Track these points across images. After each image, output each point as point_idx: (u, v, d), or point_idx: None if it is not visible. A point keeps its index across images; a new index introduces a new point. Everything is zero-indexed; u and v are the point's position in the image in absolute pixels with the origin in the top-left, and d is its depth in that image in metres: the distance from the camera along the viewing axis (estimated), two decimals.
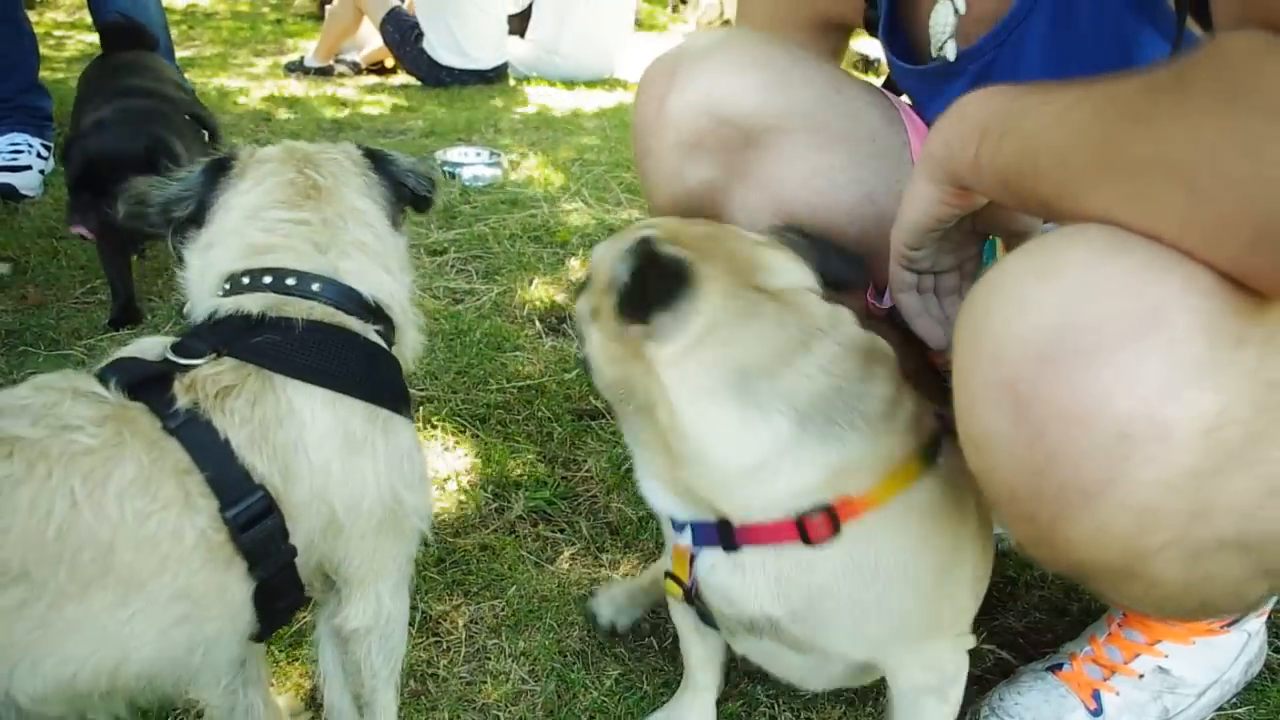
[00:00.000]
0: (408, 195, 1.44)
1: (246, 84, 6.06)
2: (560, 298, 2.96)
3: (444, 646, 1.69)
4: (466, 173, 4.05)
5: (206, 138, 3.03)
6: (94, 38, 7.19)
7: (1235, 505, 0.82)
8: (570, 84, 6.33)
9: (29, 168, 3.78)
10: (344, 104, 5.62)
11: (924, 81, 1.51)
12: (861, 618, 1.19)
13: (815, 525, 1.11)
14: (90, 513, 1.03)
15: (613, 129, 5.10)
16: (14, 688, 1.01)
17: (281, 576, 1.17)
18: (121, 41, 3.31)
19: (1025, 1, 1.28)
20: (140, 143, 2.56)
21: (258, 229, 1.29)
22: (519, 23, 6.66)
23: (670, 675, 1.63)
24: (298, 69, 6.73)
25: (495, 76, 6.34)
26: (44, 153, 3.90)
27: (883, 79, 1.73)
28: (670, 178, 1.50)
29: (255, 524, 1.12)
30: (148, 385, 1.13)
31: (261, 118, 5.20)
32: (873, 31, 1.59)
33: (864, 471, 1.12)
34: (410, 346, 1.41)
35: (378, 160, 1.42)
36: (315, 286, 1.25)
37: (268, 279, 1.25)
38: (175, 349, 1.19)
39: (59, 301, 2.94)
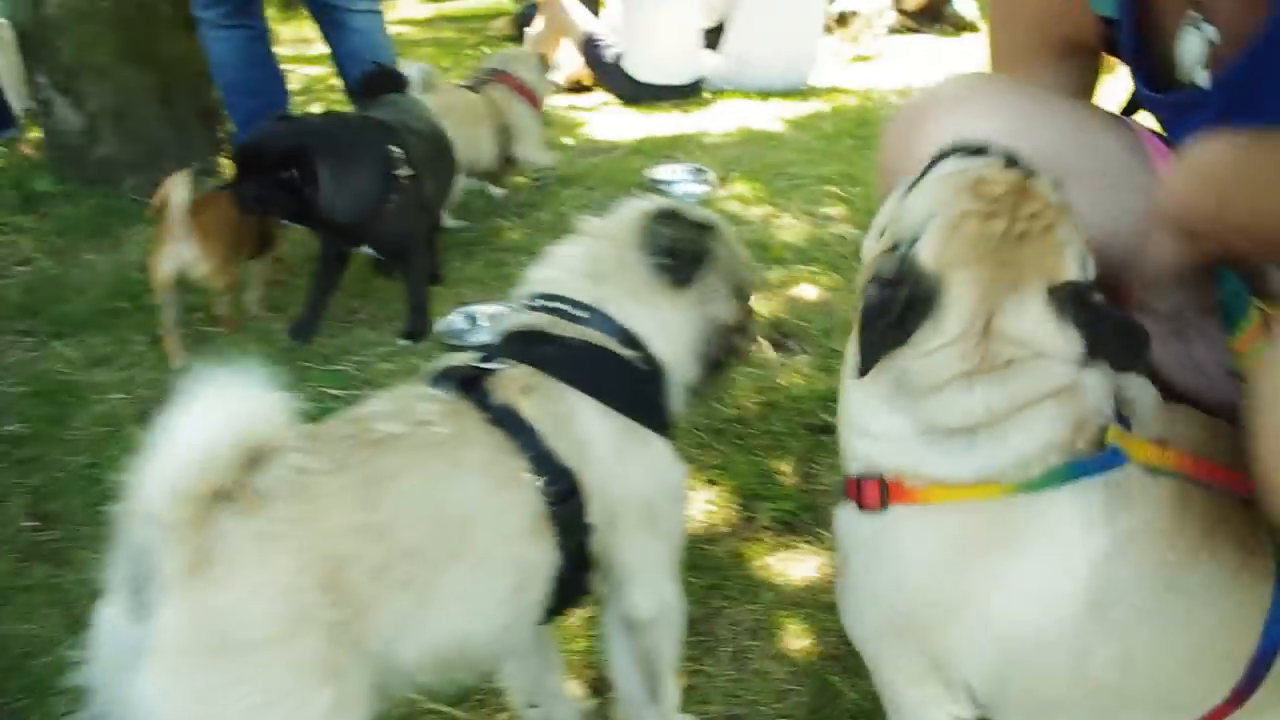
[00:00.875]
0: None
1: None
2: (782, 314, 3.08)
3: (708, 646, 1.85)
4: (678, 190, 4.23)
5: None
6: (317, 70, 7.77)
7: None
8: (765, 95, 6.42)
9: None
10: (551, 124, 5.90)
11: (1170, 109, 1.54)
12: (868, 602, 1.28)
13: (868, 488, 1.22)
14: (457, 491, 1.24)
15: (812, 140, 5.17)
16: (398, 656, 1.19)
17: (579, 553, 1.36)
18: (379, 87, 3.58)
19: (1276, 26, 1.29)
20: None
21: (547, 264, 1.58)
22: (713, 37, 6.82)
23: None
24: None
25: (692, 91, 6.52)
26: None
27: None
28: None
29: (565, 500, 1.32)
30: (466, 386, 1.36)
31: None
32: (1117, 54, 1.63)
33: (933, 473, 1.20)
34: (677, 380, 1.55)
35: (659, 220, 1.56)
36: (584, 314, 1.46)
37: (548, 303, 1.48)
38: (480, 359, 1.42)
39: (324, 321, 3.26)
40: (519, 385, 1.37)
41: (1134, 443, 1.19)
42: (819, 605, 1.92)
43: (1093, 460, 1.17)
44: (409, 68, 4.08)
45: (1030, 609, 1.17)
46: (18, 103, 6.37)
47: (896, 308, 1.16)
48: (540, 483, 1.30)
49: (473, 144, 3.95)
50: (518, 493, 1.29)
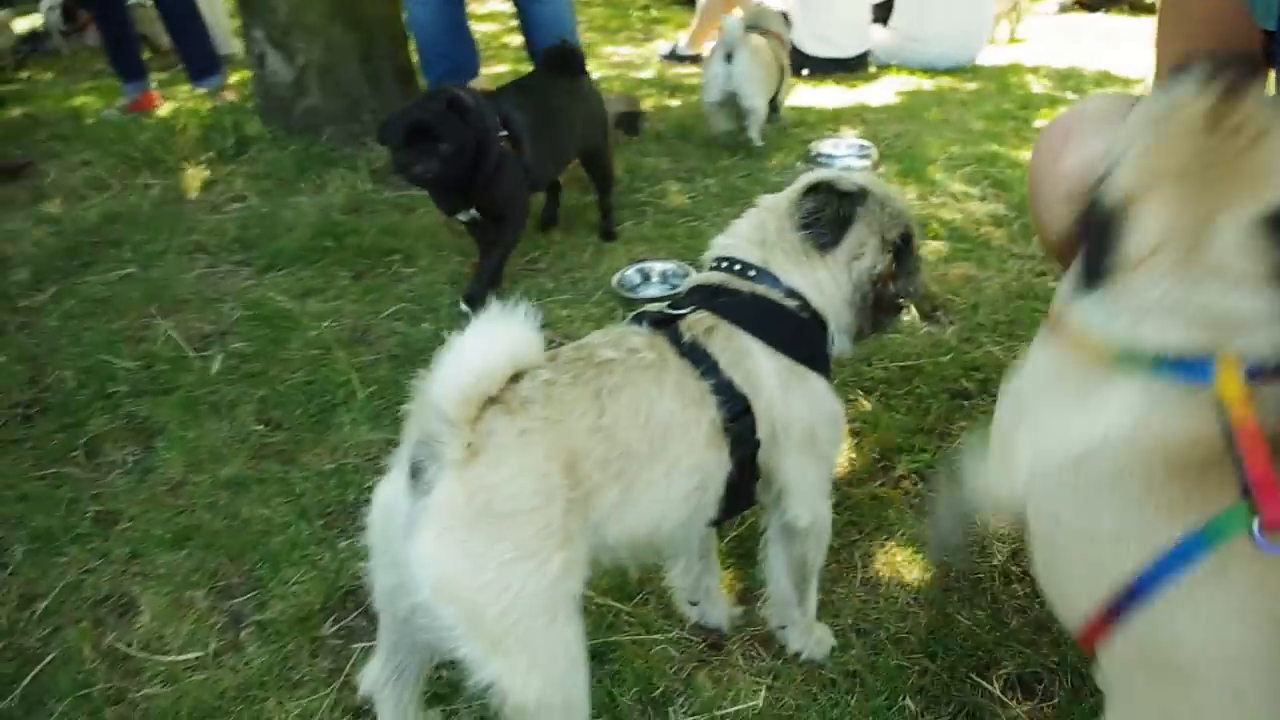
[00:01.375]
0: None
1: (626, 74, 6.69)
2: (935, 288, 3.22)
3: (843, 571, 2.07)
4: (839, 164, 4.37)
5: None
6: (489, 26, 8.09)
7: None
8: (931, 72, 6.44)
9: None
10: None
11: None
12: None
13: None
14: (660, 406, 1.50)
15: (976, 120, 5.21)
16: (607, 534, 1.48)
17: (749, 464, 1.61)
18: (558, 65, 3.76)
19: None
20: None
21: (726, 233, 1.81)
22: (882, 11, 6.85)
23: (1037, 614, 1.91)
24: (671, 56, 7.32)
25: (857, 64, 6.58)
26: None
27: None
28: (1059, 221, 1.71)
29: (738, 419, 1.57)
30: (661, 324, 1.64)
31: (649, 107, 5.76)
32: (1276, 67, 1.71)
33: None
34: (836, 326, 1.77)
35: (806, 193, 1.75)
36: (752, 273, 1.71)
37: (725, 264, 1.74)
38: (671, 305, 1.69)
39: (508, 268, 3.56)
40: (703, 326, 1.62)
41: (1231, 379, 1.19)
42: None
43: (1181, 362, 1.22)
44: (727, 19, 4.62)
45: (1054, 447, 1.31)
46: (222, 48, 6.98)
47: (1089, 238, 1.29)
48: (719, 402, 1.55)
49: (772, 83, 4.86)
50: (702, 410, 1.54)
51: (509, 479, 1.35)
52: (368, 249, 3.76)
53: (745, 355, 1.62)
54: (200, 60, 6.30)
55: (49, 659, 1.97)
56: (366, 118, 4.95)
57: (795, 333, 1.69)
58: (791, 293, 1.70)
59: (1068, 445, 1.28)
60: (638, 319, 1.68)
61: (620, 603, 2.02)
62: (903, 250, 1.79)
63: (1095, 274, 1.29)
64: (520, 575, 1.34)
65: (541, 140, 3.43)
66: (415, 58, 5.05)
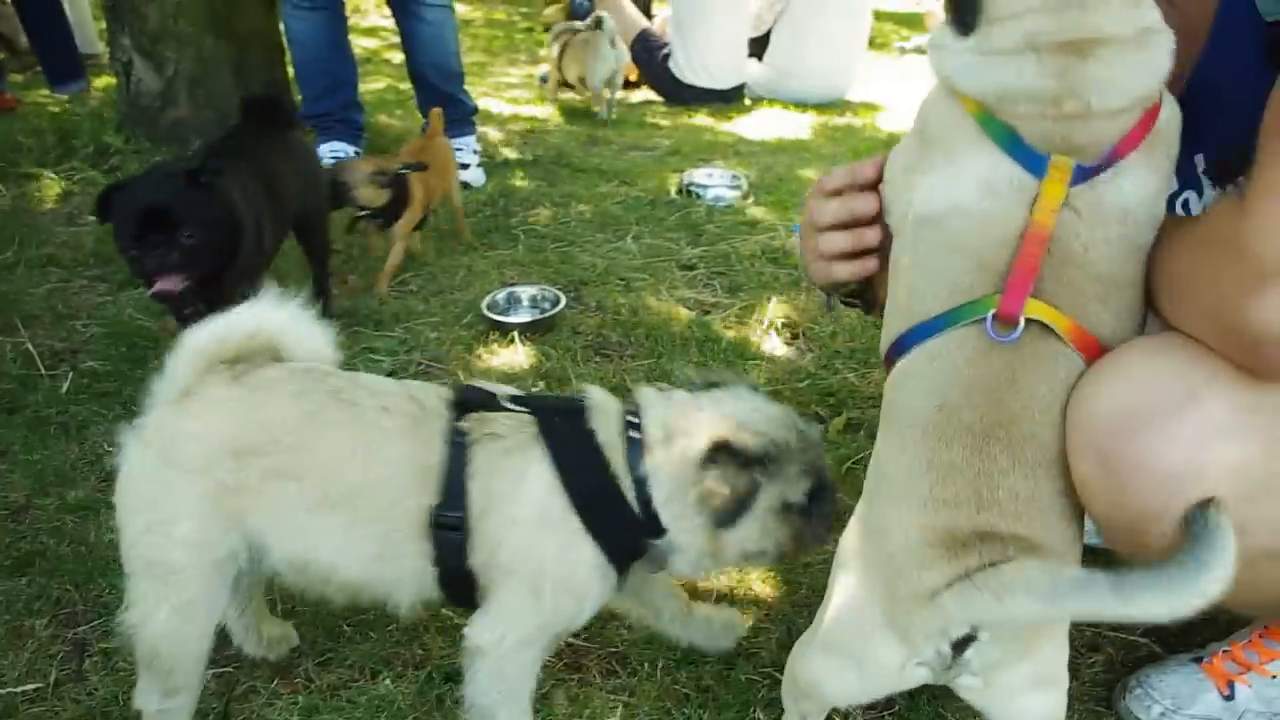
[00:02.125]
0: None
1: (506, 95, 6.73)
2: (794, 316, 3.34)
3: (695, 586, 2.12)
4: (710, 194, 4.49)
5: None
6: (370, 43, 8.01)
7: (1267, 523, 1.17)
8: (802, 106, 6.67)
9: None
10: (593, 119, 6.17)
11: None
12: None
13: None
14: (367, 464, 1.51)
15: (844, 154, 5.42)
16: (271, 547, 1.52)
17: (456, 572, 1.55)
18: (264, 117, 3.15)
19: None
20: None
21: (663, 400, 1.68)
22: (757, 46, 7.07)
23: None
24: (547, 81, 7.38)
25: (733, 96, 6.77)
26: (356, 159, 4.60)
27: None
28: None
29: (449, 530, 1.51)
30: (460, 405, 1.57)
31: (520, 130, 5.80)
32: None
33: None
34: (679, 554, 1.64)
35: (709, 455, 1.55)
36: (632, 434, 1.58)
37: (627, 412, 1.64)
38: (510, 398, 1.61)
39: (376, 289, 3.55)
40: (492, 430, 1.53)
41: (1056, 185, 1.27)
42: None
43: (1025, 149, 1.28)
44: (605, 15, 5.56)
45: (926, 197, 1.38)
46: (85, 48, 6.73)
47: None
48: (439, 504, 1.49)
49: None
50: (413, 496, 1.50)
51: (188, 434, 1.49)
52: None
53: (514, 481, 1.51)
54: (61, 64, 6.07)
55: None
56: None
57: (602, 502, 1.53)
58: (641, 484, 1.53)
59: (932, 201, 1.37)
60: (465, 388, 1.63)
61: None
62: (811, 505, 1.59)
63: (965, 21, 1.33)
64: (145, 526, 1.51)
65: (255, 214, 2.75)
66: (291, 71, 4.98)
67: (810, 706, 1.52)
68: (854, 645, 1.37)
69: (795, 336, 3.22)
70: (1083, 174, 1.27)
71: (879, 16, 8.83)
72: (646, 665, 1.93)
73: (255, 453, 1.47)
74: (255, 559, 1.54)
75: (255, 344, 1.53)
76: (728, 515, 1.52)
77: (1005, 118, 1.30)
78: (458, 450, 1.50)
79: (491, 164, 4.86)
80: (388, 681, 1.89)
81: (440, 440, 1.51)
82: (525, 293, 3.40)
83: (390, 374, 2.94)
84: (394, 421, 1.52)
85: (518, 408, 1.58)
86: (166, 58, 4.73)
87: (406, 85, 6.53)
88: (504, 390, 1.65)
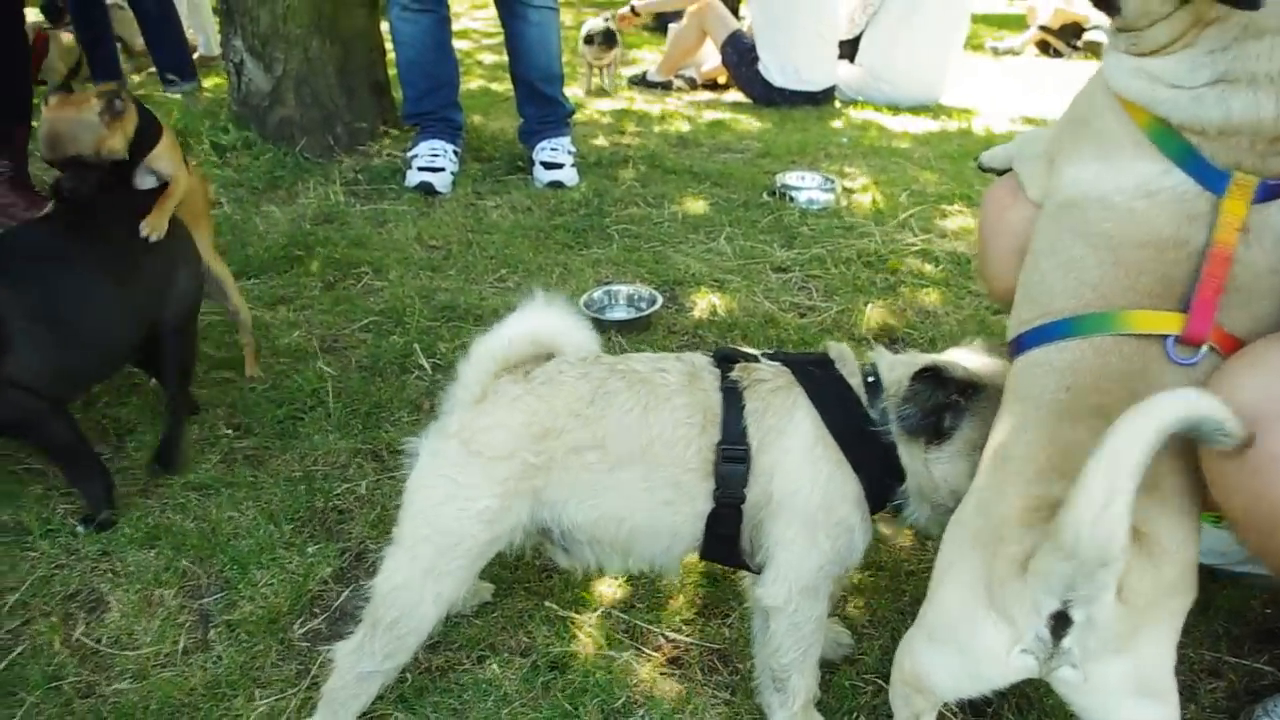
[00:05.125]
0: None
1: (595, 95, 6.80)
2: (892, 321, 3.33)
3: None
4: (803, 196, 4.49)
5: None
6: (463, 45, 8.14)
7: None
8: (894, 109, 6.62)
9: (444, 169, 4.59)
10: (686, 120, 6.21)
11: None
12: None
13: None
14: (654, 418, 1.65)
15: (937, 159, 5.36)
16: (566, 514, 1.67)
17: (731, 513, 1.69)
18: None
19: None
20: None
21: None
22: (849, 48, 7.03)
23: None
24: (640, 82, 7.46)
25: (823, 99, 6.75)
26: (454, 158, 4.71)
27: None
28: (1006, 274, 1.79)
29: (731, 464, 1.66)
30: (726, 359, 1.75)
31: (615, 130, 5.86)
32: None
33: None
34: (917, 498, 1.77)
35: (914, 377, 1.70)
36: (870, 379, 1.74)
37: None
38: (766, 354, 1.79)
39: (478, 285, 3.64)
40: (759, 376, 1.71)
41: (1239, 203, 1.30)
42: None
43: (1204, 165, 1.33)
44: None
45: (1071, 180, 1.43)
46: (206, 50, 6.98)
47: None
48: (720, 441, 1.65)
49: None
50: (699, 437, 1.65)
51: (488, 427, 1.64)
52: (338, 260, 3.81)
53: (784, 416, 1.66)
54: (174, 65, 6.33)
55: (19, 651, 1.99)
56: (340, 130, 5.01)
57: (858, 438, 1.67)
58: (882, 422, 1.68)
59: (1076, 188, 1.40)
60: (716, 352, 1.78)
61: (581, 614, 2.08)
62: None
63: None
64: (444, 499, 1.65)
65: (57, 334, 2.22)
66: (392, 72, 5.12)
67: (921, 703, 1.52)
68: (958, 629, 1.37)
69: (894, 342, 3.22)
70: (1266, 192, 1.28)
71: (973, 19, 8.69)
72: (748, 664, 1.95)
73: (556, 433, 1.64)
74: (545, 527, 1.71)
75: (533, 346, 1.70)
76: (921, 421, 1.63)
77: (1196, 140, 1.34)
78: (732, 395, 1.67)
79: (585, 164, 4.92)
80: (494, 667, 1.95)
81: (715, 389, 1.68)
82: (622, 291, 3.45)
83: None
84: (672, 379, 1.69)
85: (772, 360, 1.77)
86: (276, 58, 4.90)
87: (498, 85, 6.70)
88: (742, 350, 1.82)
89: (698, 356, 1.77)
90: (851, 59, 7.01)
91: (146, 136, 2.64)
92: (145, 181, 2.65)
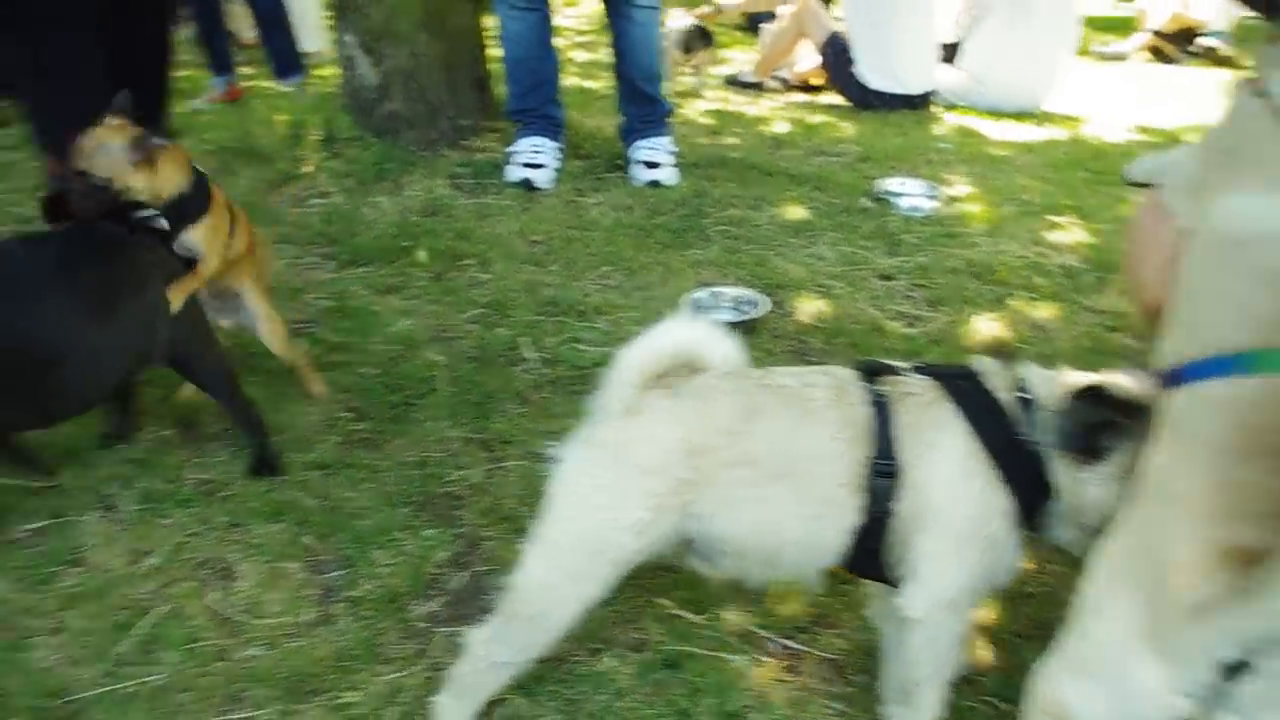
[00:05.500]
0: None
1: (687, 95, 6.83)
2: (1002, 335, 3.29)
3: None
4: (905, 203, 4.45)
5: None
6: (584, 56, 8.22)
7: None
8: (996, 114, 6.51)
9: (545, 165, 4.65)
10: (782, 121, 6.20)
11: None
12: None
13: None
14: (806, 433, 1.66)
15: (1042, 167, 5.26)
16: (715, 527, 1.69)
17: (878, 526, 1.68)
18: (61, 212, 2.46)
19: None
20: None
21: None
22: (949, 50, 6.94)
23: None
24: (734, 82, 7.46)
25: (921, 103, 6.67)
26: (556, 154, 4.76)
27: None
28: (1157, 290, 1.69)
29: (882, 478, 1.65)
30: (874, 371, 1.74)
31: (712, 131, 5.87)
32: None
33: None
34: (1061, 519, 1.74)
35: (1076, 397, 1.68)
36: (1023, 394, 1.70)
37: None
38: (916, 368, 1.78)
39: (580, 281, 3.68)
40: (907, 390, 1.70)
41: None
42: None
43: None
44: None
45: (1236, 211, 1.36)
46: (310, 45, 7.17)
47: None
48: (872, 456, 1.64)
49: None
50: (850, 451, 1.65)
51: (640, 440, 1.67)
52: (444, 251, 3.89)
53: (935, 429, 1.65)
54: (285, 58, 6.51)
55: (160, 611, 2.10)
56: (444, 124, 5.09)
57: (1010, 453, 1.65)
58: (1034, 439, 1.65)
59: (1239, 221, 1.34)
60: (860, 364, 1.77)
61: (696, 615, 2.10)
62: None
63: None
64: (595, 508, 1.68)
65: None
66: (493, 68, 5.20)
67: None
68: (1112, 666, 1.34)
69: (1006, 356, 3.16)
70: None
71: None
72: (864, 676, 1.96)
73: (708, 449, 1.66)
74: (689, 538, 1.73)
75: (678, 358, 1.72)
76: (1080, 438, 1.61)
77: None
78: (882, 409, 1.67)
79: (683, 164, 4.93)
80: (609, 660, 1.98)
81: (864, 402, 1.68)
82: (728, 293, 3.46)
83: (595, 365, 3.06)
84: (821, 394, 1.70)
85: (918, 374, 1.76)
86: (385, 54, 5.00)
87: (591, 83, 6.75)
88: (887, 362, 1.81)
89: (842, 370, 1.77)
90: (951, 62, 6.91)
91: (192, 206, 2.56)
92: (182, 249, 2.54)
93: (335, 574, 2.22)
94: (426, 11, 4.96)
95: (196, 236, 2.55)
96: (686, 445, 1.66)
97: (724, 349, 1.75)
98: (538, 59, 4.74)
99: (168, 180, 2.51)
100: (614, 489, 1.67)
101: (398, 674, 1.95)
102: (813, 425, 1.67)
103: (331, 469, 2.55)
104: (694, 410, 1.68)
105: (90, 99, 2.53)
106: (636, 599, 2.13)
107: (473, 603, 2.13)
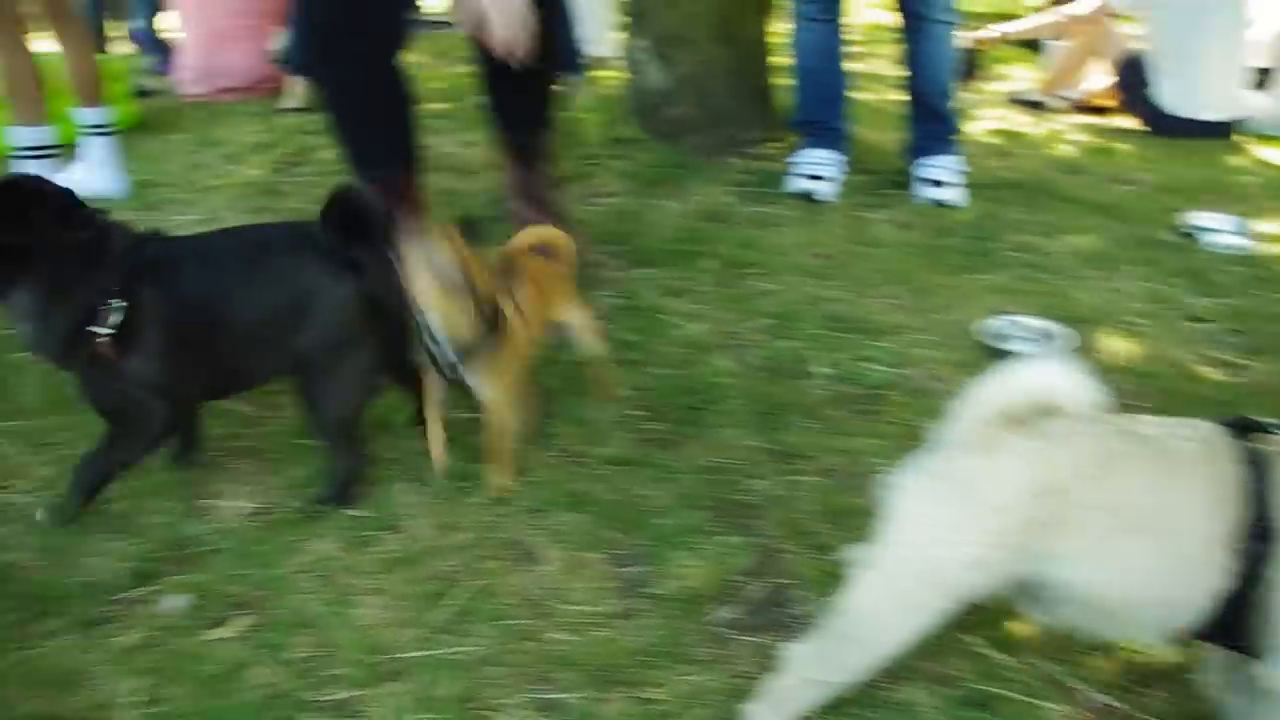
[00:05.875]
0: None
1: (980, 114, 6.60)
2: None
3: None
4: (1215, 239, 4.15)
5: None
6: (860, 67, 8.12)
7: None
8: None
9: (828, 178, 4.64)
10: (1070, 144, 5.90)
11: None
12: None
13: None
14: (1172, 485, 1.58)
15: None
16: (1057, 574, 1.62)
17: (1245, 593, 1.56)
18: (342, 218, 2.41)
19: None
20: None
21: None
22: (1261, 76, 6.41)
23: None
24: (1018, 101, 7.16)
25: (1225, 131, 6.18)
26: (840, 168, 4.73)
27: None
28: None
29: (1255, 542, 1.54)
30: (1242, 428, 1.63)
31: (997, 151, 5.67)
32: None
33: None
34: None
35: None
36: None
37: None
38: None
39: (866, 299, 3.64)
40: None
41: None
42: None
43: None
44: None
45: None
46: (598, 50, 7.42)
47: None
48: (1245, 517, 1.53)
49: None
50: (1223, 510, 1.54)
51: (990, 476, 1.63)
52: (727, 258, 3.94)
53: None
54: (568, 59, 6.76)
55: (472, 585, 2.22)
56: (727, 132, 5.17)
57: None
58: None
59: None
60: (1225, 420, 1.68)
61: (1005, 655, 2.04)
62: None
63: None
64: (935, 540, 1.65)
65: (189, 344, 2.27)
66: (775, 79, 5.23)
67: None
68: None
69: None
70: None
71: None
72: None
73: (1060, 492, 1.61)
74: (1027, 584, 1.69)
75: (1035, 397, 1.66)
76: None
77: None
78: (1257, 468, 1.57)
79: (969, 184, 4.79)
80: (912, 691, 1.94)
81: (1236, 460, 1.58)
82: (1028, 323, 3.34)
83: (886, 385, 3.03)
84: (1190, 447, 1.61)
85: None
86: (675, 59, 5.14)
87: (868, 95, 6.62)
88: (1256, 419, 1.71)
89: (1206, 424, 1.67)
90: (1263, 87, 6.38)
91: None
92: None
93: (635, 569, 2.29)
94: (719, 19, 5.06)
95: (478, 378, 2.39)
96: (1038, 486, 1.61)
97: (1083, 394, 1.68)
98: (828, 71, 4.73)
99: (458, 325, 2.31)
100: (957, 523, 1.64)
101: (701, 676, 1.99)
102: (1181, 479, 1.59)
103: (628, 465, 2.63)
104: (1049, 451, 1.63)
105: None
106: (942, 632, 2.08)
107: (772, 613, 2.15)
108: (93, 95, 4.83)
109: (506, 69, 3.08)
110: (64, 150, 4.73)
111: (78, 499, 2.38)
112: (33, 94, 4.52)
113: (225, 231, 2.60)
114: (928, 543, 1.67)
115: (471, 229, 2.24)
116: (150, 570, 2.27)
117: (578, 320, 2.83)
